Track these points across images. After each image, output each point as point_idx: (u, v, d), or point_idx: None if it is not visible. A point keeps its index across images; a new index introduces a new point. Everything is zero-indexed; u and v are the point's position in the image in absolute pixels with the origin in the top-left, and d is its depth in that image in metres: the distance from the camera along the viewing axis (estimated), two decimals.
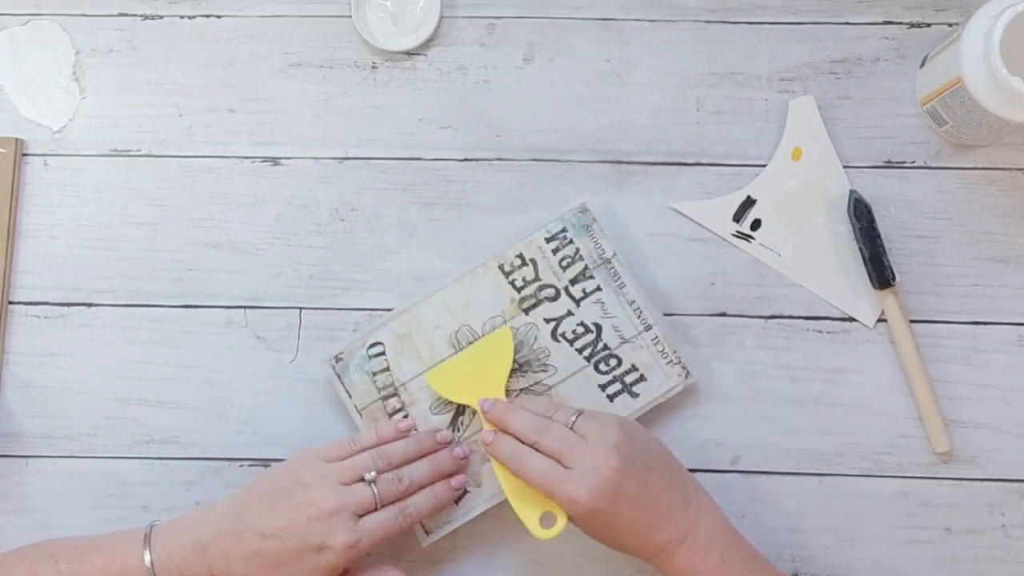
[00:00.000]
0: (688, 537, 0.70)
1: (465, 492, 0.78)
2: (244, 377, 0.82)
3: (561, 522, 0.72)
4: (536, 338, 0.80)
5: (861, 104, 0.84)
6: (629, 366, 0.79)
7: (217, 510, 0.72)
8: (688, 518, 0.70)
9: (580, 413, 0.72)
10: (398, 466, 0.74)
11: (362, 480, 0.72)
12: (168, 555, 0.70)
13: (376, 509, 0.72)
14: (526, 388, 0.79)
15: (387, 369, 0.80)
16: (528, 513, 0.73)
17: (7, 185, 0.83)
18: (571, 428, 0.71)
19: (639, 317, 0.80)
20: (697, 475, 0.80)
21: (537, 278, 0.80)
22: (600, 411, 0.73)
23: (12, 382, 0.82)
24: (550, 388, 0.79)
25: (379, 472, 0.73)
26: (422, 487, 0.75)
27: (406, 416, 0.79)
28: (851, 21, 0.85)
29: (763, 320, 0.82)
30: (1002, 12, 0.73)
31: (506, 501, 0.78)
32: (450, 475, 0.76)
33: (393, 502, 0.73)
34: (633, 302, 0.80)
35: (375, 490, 0.72)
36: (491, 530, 0.79)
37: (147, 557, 0.70)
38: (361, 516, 0.71)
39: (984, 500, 0.80)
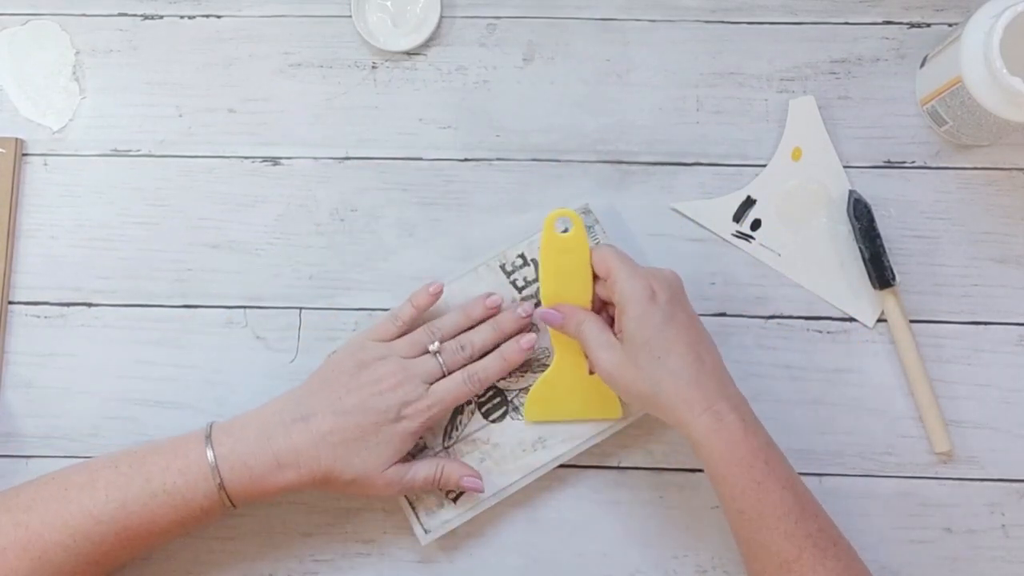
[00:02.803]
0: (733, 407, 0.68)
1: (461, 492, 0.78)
2: (244, 377, 0.82)
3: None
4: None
5: (861, 104, 0.84)
6: None
7: (277, 403, 0.74)
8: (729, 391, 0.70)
9: None
10: (453, 337, 0.76)
11: (426, 352, 0.74)
12: (231, 449, 0.71)
13: (444, 376, 0.74)
14: (525, 388, 0.79)
15: None
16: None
17: (7, 185, 0.83)
18: None
19: None
20: (697, 475, 0.80)
21: (538, 278, 0.80)
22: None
23: (12, 382, 0.82)
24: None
25: (442, 342, 0.75)
26: (486, 353, 0.76)
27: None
28: (851, 21, 0.85)
29: (763, 320, 0.82)
30: (1002, 12, 0.73)
31: (505, 500, 0.78)
32: (514, 335, 0.77)
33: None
34: None
35: (440, 360, 0.74)
36: (491, 530, 0.79)
37: (209, 454, 0.70)
38: (430, 385, 0.74)
39: (984, 500, 0.80)
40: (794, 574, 0.65)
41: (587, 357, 0.74)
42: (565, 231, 0.76)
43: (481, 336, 0.76)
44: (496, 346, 0.77)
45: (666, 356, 0.69)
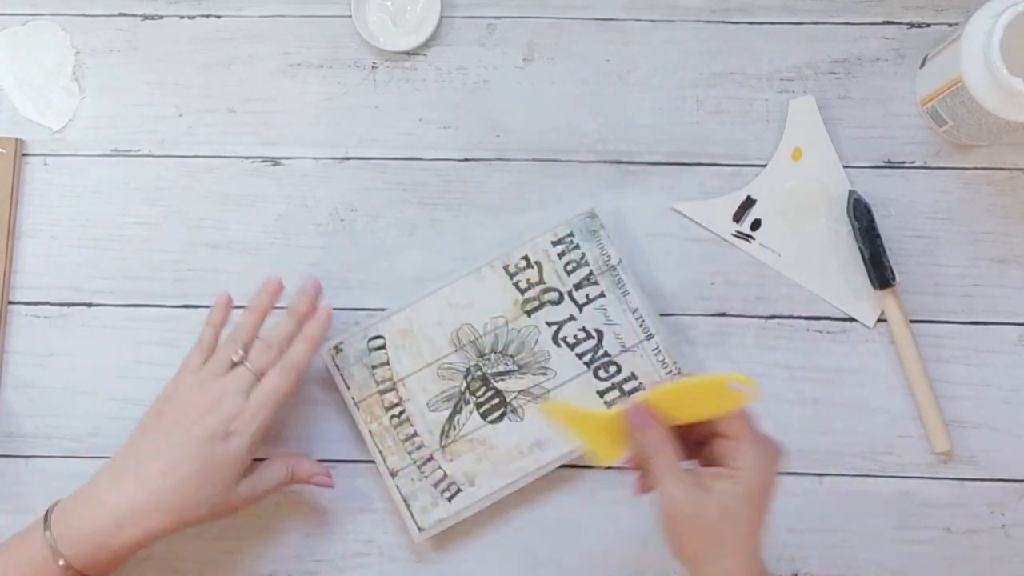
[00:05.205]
0: None
1: (459, 490, 0.78)
2: None
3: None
4: (537, 341, 0.80)
5: (861, 104, 0.84)
6: (628, 374, 0.79)
7: (106, 464, 0.71)
8: None
9: None
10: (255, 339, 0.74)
11: (233, 365, 0.73)
12: (68, 525, 0.68)
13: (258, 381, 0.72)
14: (524, 390, 0.79)
15: (387, 363, 0.80)
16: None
17: (7, 185, 0.83)
18: None
19: (641, 326, 0.79)
20: None
21: (541, 281, 0.80)
22: None
23: (12, 382, 0.82)
24: (548, 392, 0.79)
25: (245, 349, 0.73)
26: (293, 338, 0.74)
27: (402, 411, 0.79)
28: (851, 21, 0.85)
29: (763, 320, 0.82)
30: (1002, 12, 0.73)
31: (505, 500, 0.78)
32: (310, 313, 0.76)
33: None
34: (636, 310, 0.80)
35: (248, 365, 0.72)
36: (491, 531, 0.80)
37: (47, 536, 0.67)
38: (249, 394, 0.72)
39: (984, 500, 0.80)
40: None
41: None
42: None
43: (281, 327, 0.75)
44: (299, 326, 0.76)
45: (756, 502, 0.63)
